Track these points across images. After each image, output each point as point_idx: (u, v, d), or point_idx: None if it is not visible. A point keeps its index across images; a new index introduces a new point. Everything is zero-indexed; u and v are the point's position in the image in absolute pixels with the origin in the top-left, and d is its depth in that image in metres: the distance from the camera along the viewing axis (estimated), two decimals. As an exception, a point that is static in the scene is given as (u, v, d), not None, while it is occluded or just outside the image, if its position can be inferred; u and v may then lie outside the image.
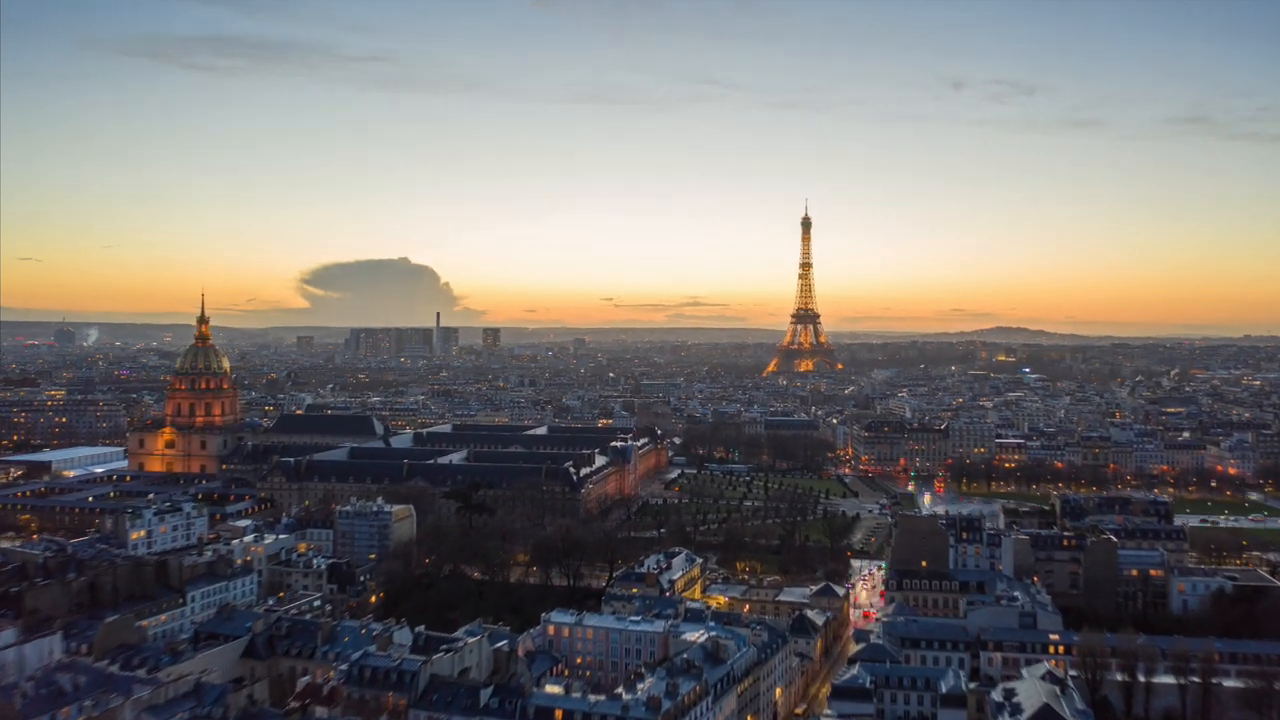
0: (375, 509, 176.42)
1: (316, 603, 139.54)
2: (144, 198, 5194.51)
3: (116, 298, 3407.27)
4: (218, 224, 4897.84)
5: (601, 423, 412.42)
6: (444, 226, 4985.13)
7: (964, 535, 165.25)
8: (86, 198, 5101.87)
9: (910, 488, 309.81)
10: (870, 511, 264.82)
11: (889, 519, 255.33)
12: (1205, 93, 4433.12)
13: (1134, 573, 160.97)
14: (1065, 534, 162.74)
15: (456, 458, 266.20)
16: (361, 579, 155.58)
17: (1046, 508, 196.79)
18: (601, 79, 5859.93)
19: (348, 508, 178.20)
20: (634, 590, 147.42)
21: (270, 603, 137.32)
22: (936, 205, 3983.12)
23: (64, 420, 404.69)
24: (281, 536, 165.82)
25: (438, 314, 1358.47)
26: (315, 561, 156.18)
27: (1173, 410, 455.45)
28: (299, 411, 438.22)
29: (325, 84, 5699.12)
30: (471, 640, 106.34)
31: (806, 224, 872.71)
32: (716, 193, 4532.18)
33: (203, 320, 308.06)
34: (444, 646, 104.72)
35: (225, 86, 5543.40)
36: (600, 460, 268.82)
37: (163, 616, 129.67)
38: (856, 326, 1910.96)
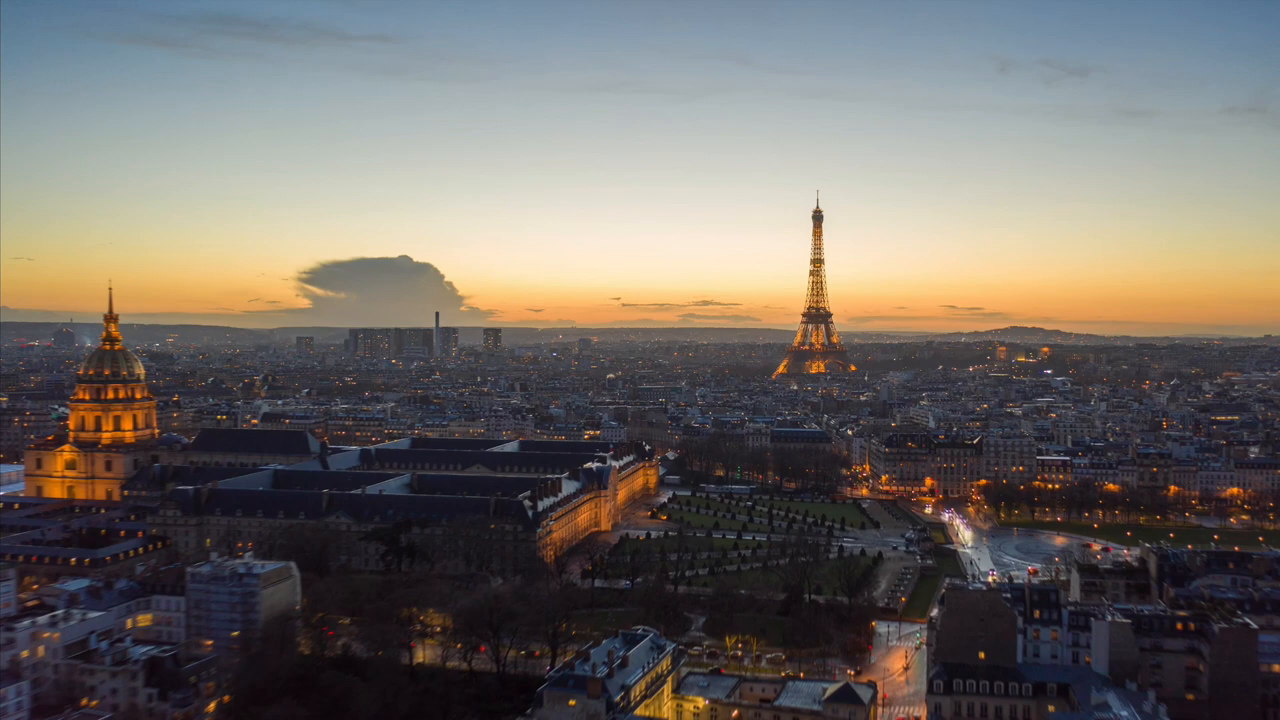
0: (241, 570, 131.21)
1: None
2: (140, 195, 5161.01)
3: (120, 298, 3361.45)
4: (216, 221, 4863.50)
5: (588, 434, 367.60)
6: (450, 224, 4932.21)
7: (1036, 614, 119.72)
8: (81, 195, 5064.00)
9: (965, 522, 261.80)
10: (895, 549, 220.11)
11: (918, 558, 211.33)
12: (1267, 80, 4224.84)
13: (1274, 668, 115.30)
14: (1179, 615, 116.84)
15: (394, 485, 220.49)
16: (193, 679, 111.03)
17: (1135, 562, 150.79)
18: (619, 66, 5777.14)
19: (204, 567, 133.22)
20: (571, 703, 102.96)
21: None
22: (955, 201, 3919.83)
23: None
24: (92, 615, 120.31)
25: (436, 314, 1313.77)
26: (131, 653, 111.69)
27: (1224, 418, 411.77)
28: (254, 421, 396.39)
29: (327, 69, 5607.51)
30: None
31: (818, 218, 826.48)
32: (732, 189, 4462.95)
33: (110, 319, 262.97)
34: None
35: (224, 72, 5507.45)
36: (570, 487, 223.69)
37: None
38: (867, 326, 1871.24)
